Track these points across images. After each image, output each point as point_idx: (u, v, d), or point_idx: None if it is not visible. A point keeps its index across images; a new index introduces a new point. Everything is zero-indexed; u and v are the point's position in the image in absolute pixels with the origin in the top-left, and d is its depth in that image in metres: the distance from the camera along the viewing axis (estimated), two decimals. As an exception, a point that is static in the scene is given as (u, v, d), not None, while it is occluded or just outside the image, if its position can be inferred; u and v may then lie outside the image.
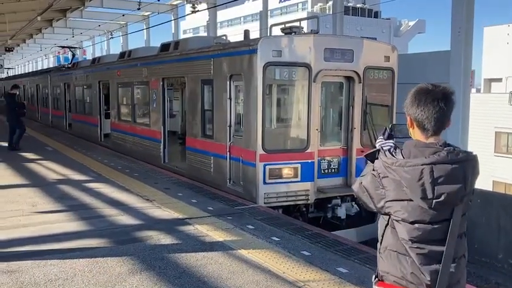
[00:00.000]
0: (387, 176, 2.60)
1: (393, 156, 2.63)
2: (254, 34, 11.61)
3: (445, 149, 2.52)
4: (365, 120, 10.08)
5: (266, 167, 9.16)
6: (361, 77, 9.80)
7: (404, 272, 2.59)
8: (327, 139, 10.01)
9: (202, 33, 62.64)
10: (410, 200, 2.52)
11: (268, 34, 10.98)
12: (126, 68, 15.96)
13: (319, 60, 9.33)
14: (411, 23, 61.87)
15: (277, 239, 6.93)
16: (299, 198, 9.44)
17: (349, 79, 9.89)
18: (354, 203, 10.08)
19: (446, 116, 2.58)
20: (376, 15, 62.37)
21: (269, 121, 9.50)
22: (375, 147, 9.94)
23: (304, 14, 50.53)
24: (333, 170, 9.96)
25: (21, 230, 7.34)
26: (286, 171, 9.31)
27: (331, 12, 44.09)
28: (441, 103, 2.55)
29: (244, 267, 5.83)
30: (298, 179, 9.38)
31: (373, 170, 2.70)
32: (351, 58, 9.73)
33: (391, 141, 3.03)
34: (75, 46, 31.06)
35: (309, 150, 9.44)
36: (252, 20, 61.58)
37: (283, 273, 5.66)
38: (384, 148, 2.79)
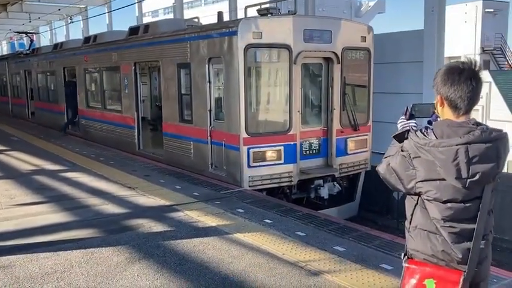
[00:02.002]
0: (419, 157, 2.58)
1: (425, 136, 2.60)
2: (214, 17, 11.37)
3: (479, 128, 2.52)
4: (344, 101, 10.18)
5: (250, 150, 9.15)
6: (340, 57, 9.87)
7: (435, 250, 2.62)
8: (307, 121, 10.08)
9: (162, 16, 61.38)
10: (443, 180, 2.52)
11: (244, 16, 10.83)
12: (93, 53, 15.49)
13: (299, 42, 9.33)
14: (371, 3, 62.44)
15: (269, 221, 6.96)
16: (283, 180, 9.50)
17: (327, 60, 9.95)
18: (335, 182, 10.25)
19: (478, 94, 2.59)
20: (337, -5, 62.53)
21: (251, 104, 9.45)
22: (353, 126, 9.98)
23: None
24: (314, 151, 10.06)
25: (4, 223, 7.09)
26: (270, 154, 9.34)
27: (293, -7, 43.91)
28: (473, 82, 2.55)
29: (243, 250, 5.84)
30: (282, 161, 9.43)
31: (402, 150, 2.67)
32: (330, 39, 9.78)
33: (413, 121, 3.01)
34: (32, 31, 29.83)
35: (291, 133, 9.48)
36: (213, 2, 60.70)
37: (283, 254, 5.70)
38: (414, 128, 2.79)
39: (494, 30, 38.17)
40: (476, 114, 27.24)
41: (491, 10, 38.65)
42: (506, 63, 38.63)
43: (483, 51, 38.03)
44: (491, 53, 38.28)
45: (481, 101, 26.74)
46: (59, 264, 5.50)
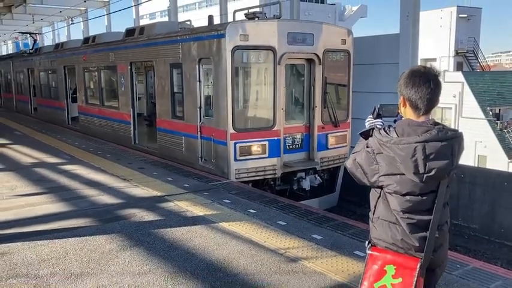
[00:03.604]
0: (382, 153, 2.64)
1: (388, 134, 2.65)
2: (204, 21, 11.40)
3: (436, 127, 2.58)
4: (325, 99, 10.21)
5: (236, 145, 9.16)
6: (321, 59, 9.90)
7: (395, 238, 2.68)
8: (290, 117, 10.10)
9: (159, 18, 60.86)
10: (403, 174, 2.58)
11: (233, 19, 10.79)
12: (92, 53, 15.36)
13: (283, 44, 9.33)
14: (354, 8, 62.42)
15: (253, 211, 6.98)
16: (267, 173, 9.53)
17: (310, 61, 9.97)
18: (316, 175, 10.29)
19: (437, 96, 2.63)
20: (323, 0, 62.50)
21: (238, 102, 9.46)
22: (334, 123, 10.02)
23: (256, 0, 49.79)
24: (297, 146, 10.10)
25: (4, 213, 7.03)
26: (255, 148, 9.36)
27: (281, -2, 43.70)
28: (433, 84, 2.60)
29: (228, 238, 5.86)
30: (266, 155, 9.46)
31: (367, 147, 2.72)
32: (312, 42, 9.79)
33: (379, 120, 3.04)
34: (35, 32, 29.52)
35: (275, 128, 9.51)
36: (207, 6, 60.30)
37: (264, 242, 5.73)
38: (378, 126, 2.82)
39: (468, 34, 38.42)
40: (450, 112, 27.47)
41: (465, 15, 38.87)
42: (478, 65, 38.93)
43: (457, 53, 38.28)
44: (464, 56, 38.52)
45: (454, 100, 26.95)
46: (55, 251, 5.48)
